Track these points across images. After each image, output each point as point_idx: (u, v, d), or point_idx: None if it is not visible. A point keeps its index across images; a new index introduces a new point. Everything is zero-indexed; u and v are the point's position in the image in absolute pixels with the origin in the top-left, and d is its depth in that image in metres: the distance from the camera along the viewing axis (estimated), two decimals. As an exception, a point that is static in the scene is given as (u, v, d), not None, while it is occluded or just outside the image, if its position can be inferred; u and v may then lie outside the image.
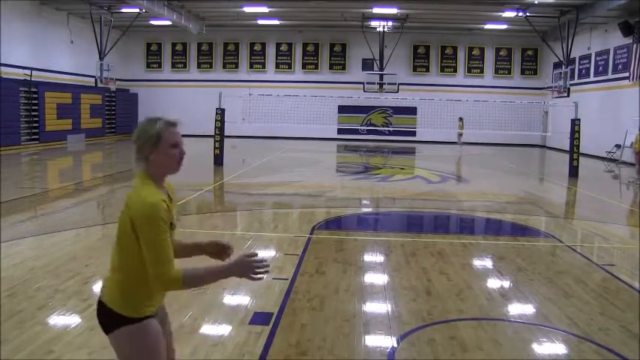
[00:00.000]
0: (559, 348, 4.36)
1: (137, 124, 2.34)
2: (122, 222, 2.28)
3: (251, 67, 31.65)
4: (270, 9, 24.49)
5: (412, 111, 30.15)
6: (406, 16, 25.45)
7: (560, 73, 23.49)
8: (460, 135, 26.65)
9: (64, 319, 4.67)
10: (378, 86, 27.43)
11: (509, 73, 31.04)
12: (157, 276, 2.19)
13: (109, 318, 2.32)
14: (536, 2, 21.47)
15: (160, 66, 32.19)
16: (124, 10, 24.38)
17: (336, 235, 8.25)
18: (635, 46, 20.22)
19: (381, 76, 27.59)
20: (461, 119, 26.23)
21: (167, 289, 2.33)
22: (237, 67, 31.76)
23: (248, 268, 2.28)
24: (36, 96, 22.92)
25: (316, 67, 31.41)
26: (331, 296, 5.38)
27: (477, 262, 6.97)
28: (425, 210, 11.11)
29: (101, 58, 25.05)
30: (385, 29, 27.25)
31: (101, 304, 2.35)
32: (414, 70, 31.14)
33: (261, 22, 28.00)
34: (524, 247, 7.73)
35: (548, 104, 25.74)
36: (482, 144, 28.98)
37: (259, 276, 2.29)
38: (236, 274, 2.28)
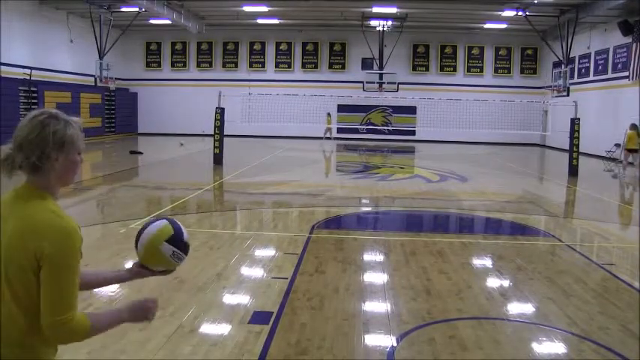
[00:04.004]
0: (559, 347, 4.36)
1: (27, 118, 1.76)
2: (12, 251, 1.66)
3: (251, 66, 31.64)
4: (269, 8, 24.47)
5: (412, 110, 30.14)
6: (406, 15, 25.44)
7: (560, 72, 23.50)
8: (328, 129, 26.81)
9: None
10: (377, 85, 27.42)
11: (509, 72, 31.02)
12: (57, 325, 1.65)
13: None
14: (535, 1, 21.46)
15: (159, 65, 32.17)
16: (123, 9, 24.35)
17: (336, 235, 8.25)
18: (634, 45, 20.22)
19: (381, 76, 27.58)
20: (329, 114, 26.40)
21: (65, 342, 1.74)
22: (236, 66, 31.74)
23: (148, 313, 1.90)
24: (36, 95, 22.90)
25: (316, 67, 31.40)
26: (331, 295, 5.38)
27: (477, 262, 6.97)
28: (424, 209, 11.10)
29: (101, 57, 25.03)
30: (385, 28, 27.23)
31: None
32: (414, 69, 31.13)
33: (260, 21, 27.98)
34: (524, 246, 7.73)
35: (547, 103, 25.74)
36: (481, 143, 28.98)
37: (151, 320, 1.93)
38: (137, 319, 1.90)
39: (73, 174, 1.82)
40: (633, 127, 16.96)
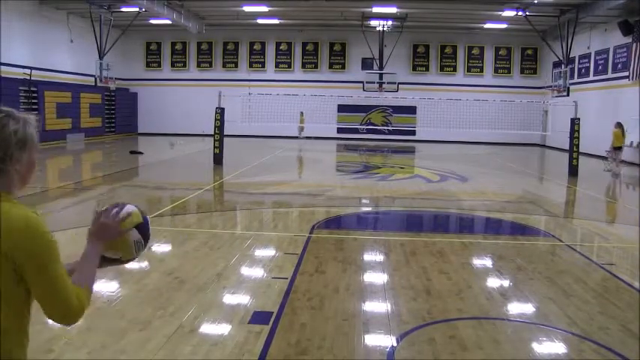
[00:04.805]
0: (559, 347, 4.36)
1: None
2: None
3: (251, 66, 31.64)
4: (269, 8, 24.47)
5: (412, 110, 30.15)
6: (406, 15, 25.44)
7: (560, 72, 23.50)
8: (301, 128, 26.70)
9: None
10: (377, 85, 27.42)
11: (509, 72, 31.02)
12: (69, 314, 1.63)
13: None
14: (535, 1, 21.46)
15: (159, 65, 32.17)
16: (123, 9, 24.37)
17: (336, 235, 8.25)
18: (634, 45, 20.22)
19: (381, 76, 27.59)
20: (302, 113, 26.37)
21: (76, 321, 1.68)
22: (236, 66, 31.74)
23: (110, 227, 1.79)
24: (36, 95, 22.91)
25: (316, 67, 31.40)
26: (331, 295, 5.38)
27: (477, 262, 6.97)
28: (425, 209, 11.10)
29: (101, 57, 25.03)
30: (385, 28, 27.23)
31: None
32: (414, 69, 31.13)
33: (260, 21, 27.98)
34: (524, 246, 7.73)
35: (547, 103, 25.74)
36: (481, 143, 28.98)
37: (122, 225, 1.82)
38: (103, 239, 1.80)
39: (33, 173, 1.76)
40: (619, 125, 17.27)
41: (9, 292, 1.59)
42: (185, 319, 4.63)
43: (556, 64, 25.76)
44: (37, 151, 1.74)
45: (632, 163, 20.42)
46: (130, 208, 1.93)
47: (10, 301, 1.60)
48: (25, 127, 1.69)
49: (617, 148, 17.09)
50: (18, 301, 1.62)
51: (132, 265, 6.44)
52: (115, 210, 1.82)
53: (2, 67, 20.83)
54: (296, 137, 27.53)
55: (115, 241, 1.88)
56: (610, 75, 23.01)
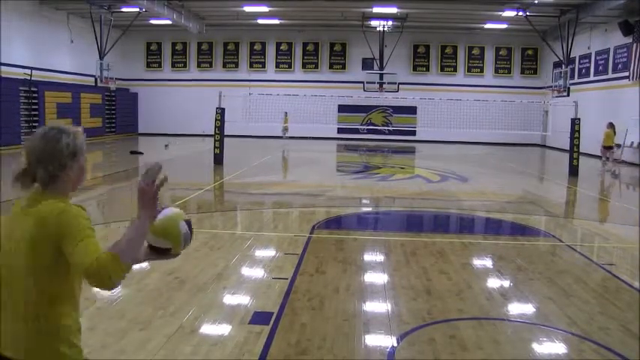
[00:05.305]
0: (559, 347, 4.36)
1: (39, 134, 2.01)
2: (34, 242, 1.89)
3: (251, 66, 31.64)
4: (270, 8, 24.48)
5: (412, 110, 30.14)
6: (406, 15, 25.44)
7: (560, 72, 23.49)
8: (285, 129, 26.79)
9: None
10: (378, 86, 27.41)
11: (509, 72, 31.02)
12: (89, 271, 1.78)
13: None
14: (536, 2, 21.46)
15: (160, 65, 32.18)
16: (124, 9, 24.36)
17: (336, 235, 8.26)
18: (635, 45, 20.21)
19: (381, 76, 27.57)
20: (286, 114, 26.26)
21: (108, 282, 1.80)
22: (237, 66, 31.74)
23: (146, 191, 1.88)
24: (36, 95, 22.91)
25: (316, 67, 31.41)
26: (331, 296, 5.39)
27: (477, 262, 6.97)
28: (425, 209, 11.10)
29: (101, 58, 25.03)
30: (385, 29, 27.22)
31: None
32: (414, 69, 31.13)
33: (261, 21, 27.98)
34: (524, 246, 7.73)
35: (548, 103, 25.73)
36: (482, 143, 28.98)
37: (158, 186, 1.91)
38: (149, 209, 1.90)
39: (83, 178, 2.08)
40: (610, 125, 17.66)
41: (53, 265, 1.89)
42: (185, 320, 4.64)
43: (556, 65, 25.75)
44: (84, 159, 2.05)
45: (632, 164, 20.43)
46: (176, 209, 2.24)
47: (55, 273, 1.90)
48: (75, 140, 2.01)
49: (608, 147, 17.51)
50: (62, 272, 1.91)
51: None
52: (150, 170, 1.93)
53: (2, 67, 20.85)
54: (280, 137, 27.25)
55: (172, 229, 2.14)
56: (610, 75, 23.01)
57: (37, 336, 1.89)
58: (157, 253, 2.18)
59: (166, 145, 23.00)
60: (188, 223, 2.22)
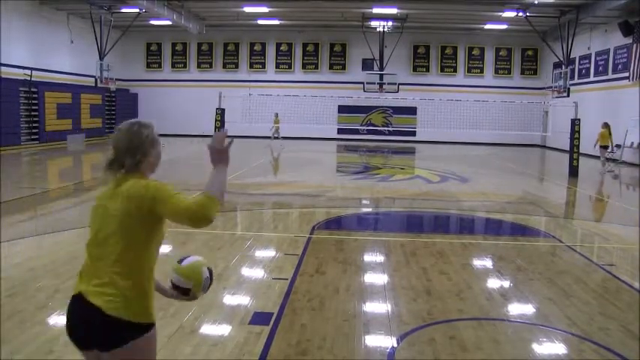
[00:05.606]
0: (559, 348, 4.36)
1: (128, 128, 2.40)
2: (127, 210, 2.26)
3: (251, 67, 31.66)
4: (270, 9, 24.49)
5: (412, 111, 30.15)
6: (406, 16, 25.45)
7: (560, 73, 23.49)
8: (276, 129, 26.58)
9: (64, 319, 4.65)
10: (378, 86, 27.40)
11: (509, 73, 31.04)
12: (190, 211, 2.21)
13: (121, 331, 2.18)
14: (536, 2, 21.47)
15: (159, 66, 32.19)
16: (124, 10, 24.38)
17: (336, 235, 8.26)
18: (635, 45, 20.22)
19: (381, 76, 27.58)
20: (276, 114, 26.08)
21: (206, 216, 2.25)
22: (237, 67, 31.76)
23: (218, 149, 2.43)
24: (36, 96, 22.93)
25: (316, 67, 31.42)
26: (331, 296, 5.39)
27: (477, 262, 6.97)
28: (425, 210, 11.11)
29: (101, 58, 25.05)
30: (385, 29, 27.24)
31: (103, 317, 2.17)
32: (414, 70, 31.15)
33: (261, 22, 28.00)
34: (524, 247, 7.73)
35: (548, 104, 25.74)
36: (482, 144, 28.99)
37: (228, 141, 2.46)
38: (225, 160, 2.45)
39: (159, 162, 2.48)
40: (605, 125, 17.97)
41: (140, 234, 2.28)
42: (185, 320, 4.64)
43: (556, 65, 25.76)
44: (159, 147, 2.47)
45: (632, 164, 20.44)
46: (198, 257, 2.61)
47: (142, 240, 2.29)
48: (152, 130, 2.44)
49: (604, 147, 17.81)
50: (147, 240, 2.30)
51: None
52: (218, 135, 2.47)
53: (2, 67, 20.86)
54: (268, 137, 27.09)
55: (195, 273, 2.51)
56: (610, 76, 23.02)
57: (122, 290, 2.22)
58: (178, 292, 2.51)
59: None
60: (210, 271, 2.57)
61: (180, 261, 2.56)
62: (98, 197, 2.40)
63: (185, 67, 32.01)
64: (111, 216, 2.27)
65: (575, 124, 17.18)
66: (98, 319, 2.18)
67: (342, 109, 30.42)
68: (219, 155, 2.42)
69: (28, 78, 22.25)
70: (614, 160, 20.09)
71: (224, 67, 31.78)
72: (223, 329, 4.53)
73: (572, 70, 25.04)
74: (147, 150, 2.39)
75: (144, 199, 2.24)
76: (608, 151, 18.20)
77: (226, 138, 2.48)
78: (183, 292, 2.50)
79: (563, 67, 23.33)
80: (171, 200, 2.22)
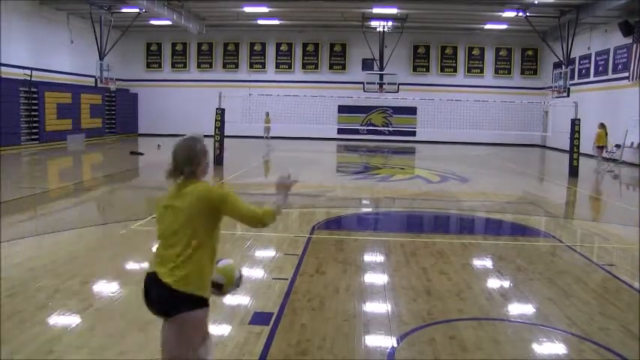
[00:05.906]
0: (559, 348, 4.36)
1: (185, 143, 2.95)
2: (195, 208, 2.81)
3: (251, 67, 31.65)
4: (270, 9, 24.49)
5: (412, 111, 30.15)
6: (406, 16, 25.44)
7: (560, 73, 23.49)
8: (267, 129, 26.27)
9: (64, 319, 4.67)
10: (378, 86, 27.37)
11: (509, 73, 31.03)
12: (257, 219, 2.96)
13: (182, 302, 2.73)
14: (536, 2, 21.46)
15: (159, 66, 32.18)
16: (124, 10, 24.37)
17: (336, 235, 8.26)
18: (635, 45, 20.22)
19: (381, 76, 27.56)
20: (267, 114, 25.86)
21: (266, 223, 3.05)
22: (237, 67, 31.75)
23: (288, 186, 3.24)
24: (36, 96, 22.92)
25: (316, 67, 31.41)
26: (331, 296, 5.39)
27: (477, 262, 6.97)
28: (425, 210, 11.11)
29: (101, 58, 25.04)
30: (385, 29, 27.23)
31: (171, 292, 2.71)
32: (414, 70, 31.14)
33: (261, 22, 27.99)
34: (524, 247, 7.73)
35: (548, 104, 25.74)
36: (482, 144, 28.98)
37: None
38: (287, 193, 3.24)
39: (208, 169, 3.01)
40: (602, 126, 18.14)
41: (205, 224, 2.84)
42: (185, 320, 4.63)
43: (556, 65, 25.76)
44: (208, 156, 3.00)
45: (631, 164, 20.44)
46: (229, 260, 3.20)
47: (206, 230, 2.84)
48: (203, 143, 2.99)
49: (600, 147, 18.03)
50: (209, 229, 2.87)
51: (132, 266, 6.45)
52: (288, 175, 3.22)
53: (2, 67, 20.85)
54: (261, 137, 26.84)
55: (230, 272, 3.13)
56: (610, 76, 23.02)
57: (187, 270, 2.74)
58: (213, 286, 2.96)
59: (159, 146, 23.00)
60: (240, 274, 3.24)
61: (217, 262, 3.04)
62: (163, 199, 2.94)
63: (185, 67, 32.01)
64: (180, 213, 2.81)
65: (575, 124, 17.18)
66: (167, 293, 2.72)
67: (342, 109, 30.42)
68: (285, 189, 3.19)
69: (28, 78, 22.24)
70: (613, 160, 20.09)
71: (224, 67, 31.78)
72: (223, 329, 4.53)
73: (572, 70, 25.03)
74: (200, 160, 2.93)
75: (212, 199, 2.83)
76: (607, 150, 18.27)
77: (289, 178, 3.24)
78: (217, 287, 3.02)
79: (563, 67, 23.33)
80: (237, 204, 2.90)
